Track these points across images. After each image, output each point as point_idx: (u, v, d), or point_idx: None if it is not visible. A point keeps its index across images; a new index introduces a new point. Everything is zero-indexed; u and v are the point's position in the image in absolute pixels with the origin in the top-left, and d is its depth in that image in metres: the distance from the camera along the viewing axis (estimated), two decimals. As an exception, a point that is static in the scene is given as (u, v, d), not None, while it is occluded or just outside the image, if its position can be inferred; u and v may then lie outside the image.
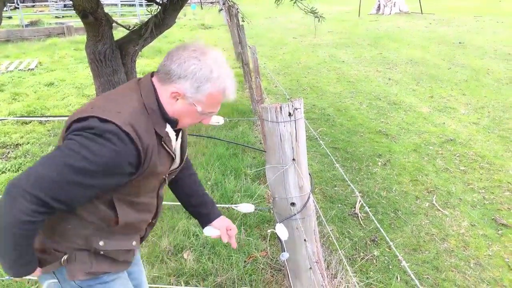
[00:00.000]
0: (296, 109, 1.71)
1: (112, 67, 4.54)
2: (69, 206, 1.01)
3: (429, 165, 3.90)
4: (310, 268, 1.95)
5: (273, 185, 1.87)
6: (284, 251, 1.64)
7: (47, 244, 1.16)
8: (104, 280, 1.24)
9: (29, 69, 8.05)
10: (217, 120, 1.85)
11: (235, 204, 2.13)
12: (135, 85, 1.14)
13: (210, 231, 1.50)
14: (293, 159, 1.80)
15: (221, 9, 11.40)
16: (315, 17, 4.10)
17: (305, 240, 1.90)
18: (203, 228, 1.53)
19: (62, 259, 1.15)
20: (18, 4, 15.06)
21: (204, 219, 1.51)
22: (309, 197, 1.87)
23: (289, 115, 1.73)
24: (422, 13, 16.73)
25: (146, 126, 1.07)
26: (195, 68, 1.07)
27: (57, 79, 7.18)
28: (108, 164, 1.00)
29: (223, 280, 2.34)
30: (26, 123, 5.15)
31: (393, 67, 7.91)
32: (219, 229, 1.49)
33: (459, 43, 9.85)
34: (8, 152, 4.33)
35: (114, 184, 1.07)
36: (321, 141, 3.14)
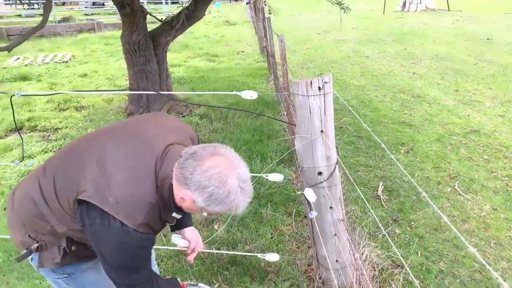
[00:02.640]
0: (326, 83, 1.85)
1: (145, 57, 4.80)
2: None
3: (452, 153, 3.95)
4: (335, 234, 2.09)
5: (302, 155, 2.02)
6: (313, 211, 1.78)
7: (27, 231, 1.27)
8: (81, 267, 1.33)
9: (63, 61, 8.46)
10: (251, 94, 2.02)
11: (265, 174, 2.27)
12: (153, 171, 1.14)
13: (179, 241, 1.52)
14: (321, 131, 1.94)
15: (248, 2, 11.58)
16: (341, 8, 4.21)
17: (331, 207, 2.04)
18: (171, 231, 1.57)
19: (32, 247, 1.25)
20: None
21: (176, 224, 1.50)
22: (335, 167, 2.00)
23: (318, 89, 1.87)
24: (449, 10, 16.44)
25: (158, 217, 1.17)
26: (213, 190, 1.06)
27: (90, 71, 7.52)
28: (140, 255, 1.18)
29: (251, 248, 2.51)
30: (64, 110, 5.47)
31: (418, 62, 7.89)
32: (190, 241, 1.53)
33: (487, 39, 9.69)
34: (49, 135, 4.63)
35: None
36: (344, 130, 3.25)
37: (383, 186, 3.35)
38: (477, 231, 2.77)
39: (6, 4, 18.85)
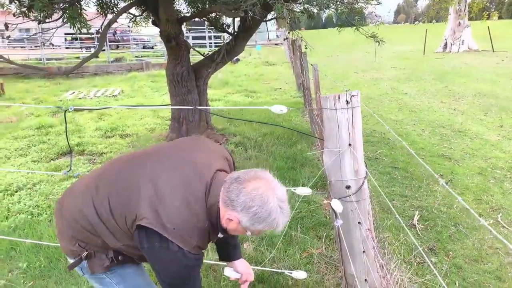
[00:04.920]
0: (353, 96, 1.91)
1: (187, 87, 5.10)
2: None
3: (496, 187, 3.76)
4: (364, 251, 2.04)
5: (329, 168, 2.04)
6: (338, 219, 1.78)
7: (77, 241, 1.38)
8: (118, 270, 1.43)
9: (113, 95, 9.11)
10: (281, 109, 2.11)
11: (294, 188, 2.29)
12: (203, 198, 1.26)
13: (231, 273, 1.65)
14: (349, 144, 1.97)
15: (286, 38, 12.06)
16: (376, 41, 4.31)
17: (359, 222, 2.01)
18: (220, 260, 1.70)
19: (82, 255, 1.36)
20: (105, 47, 17.15)
21: (227, 256, 1.67)
22: (364, 181, 2.00)
23: (346, 103, 1.93)
24: (493, 51, 16.11)
25: (207, 239, 1.31)
26: (256, 210, 1.18)
27: (137, 104, 8.03)
28: (192, 274, 1.31)
29: (279, 266, 2.49)
30: (110, 137, 5.84)
31: (459, 99, 7.71)
32: (241, 273, 1.65)
33: (535, 77, 9.34)
34: (94, 159, 4.95)
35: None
36: (380, 161, 3.23)
37: (419, 216, 3.23)
38: (522, 264, 2.58)
39: (66, 48, 20.83)
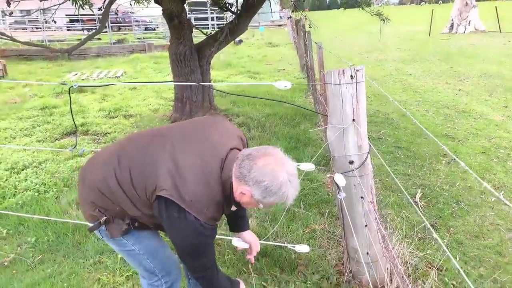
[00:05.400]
0: (358, 71, 1.91)
1: (190, 67, 5.07)
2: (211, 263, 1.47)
3: (499, 166, 3.77)
4: (366, 225, 2.07)
5: (333, 144, 2.05)
6: (341, 192, 1.81)
7: (97, 207, 1.45)
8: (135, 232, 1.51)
9: (115, 76, 9.08)
10: (285, 84, 2.11)
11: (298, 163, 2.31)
12: (218, 175, 1.34)
13: (240, 243, 1.78)
14: (353, 120, 1.98)
15: (290, 17, 11.95)
16: (381, 19, 4.26)
17: (362, 197, 2.04)
18: (230, 230, 1.83)
19: (101, 220, 1.44)
20: (107, 29, 17.00)
21: (236, 227, 1.81)
22: (367, 156, 2.02)
23: (351, 78, 1.93)
24: (500, 31, 15.84)
25: (221, 211, 1.39)
26: (267, 184, 1.26)
27: (139, 85, 8.01)
28: (207, 243, 1.40)
29: (282, 241, 2.53)
30: (113, 117, 5.85)
31: (464, 80, 7.64)
32: (249, 243, 1.78)
33: (542, 58, 9.21)
34: (99, 138, 4.98)
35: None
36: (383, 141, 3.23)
37: (421, 194, 3.26)
38: (523, 240, 2.61)
39: (68, 29, 20.63)
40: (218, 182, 1.33)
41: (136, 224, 1.47)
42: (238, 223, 1.79)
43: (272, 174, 1.26)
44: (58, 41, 16.55)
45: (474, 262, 2.42)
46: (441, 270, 2.30)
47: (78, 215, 2.97)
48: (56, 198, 3.30)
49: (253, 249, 1.79)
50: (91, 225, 1.48)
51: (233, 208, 1.45)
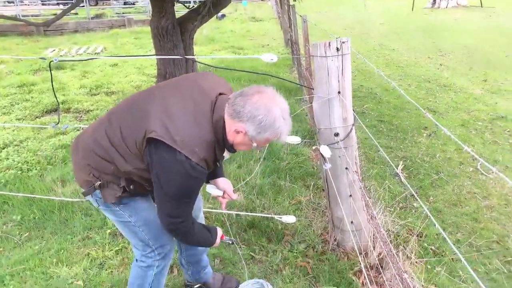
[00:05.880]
0: (343, 43, 1.91)
1: (173, 42, 4.95)
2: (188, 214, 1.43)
3: (477, 137, 3.89)
4: (351, 195, 2.14)
5: (319, 116, 2.08)
6: (327, 163, 1.85)
7: (91, 171, 1.43)
8: (135, 197, 1.50)
9: (95, 53, 8.83)
10: (271, 57, 2.10)
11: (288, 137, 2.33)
12: (209, 116, 1.32)
13: (213, 190, 1.70)
14: (339, 92, 2.00)
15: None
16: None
17: (346, 168, 2.09)
18: (206, 182, 1.71)
19: (96, 184, 1.42)
20: (84, 4, 16.35)
21: (211, 175, 1.70)
22: (352, 128, 2.06)
23: (336, 50, 1.94)
24: (481, 6, 15.95)
25: (213, 154, 1.34)
26: (262, 118, 1.25)
27: (120, 61, 7.81)
28: (194, 187, 1.36)
29: (269, 212, 2.59)
30: (95, 95, 5.73)
31: (446, 55, 7.74)
32: (223, 190, 1.70)
33: (521, 33, 9.38)
34: (81, 116, 4.88)
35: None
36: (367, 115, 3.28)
37: (403, 165, 3.35)
38: (497, 207, 2.74)
39: (43, 4, 19.75)
40: (210, 123, 1.31)
41: (131, 187, 1.44)
42: (213, 171, 1.70)
43: (266, 108, 1.26)
44: (32, 15, 15.86)
45: (452, 228, 2.53)
46: (420, 237, 2.41)
47: (63, 192, 2.95)
48: (40, 176, 3.26)
49: (226, 197, 1.73)
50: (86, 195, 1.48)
51: (226, 154, 1.44)
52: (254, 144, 1.35)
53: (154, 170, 1.31)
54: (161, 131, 1.26)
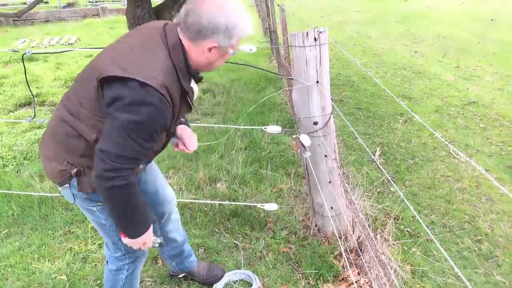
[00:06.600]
0: (321, 33, 1.95)
1: (149, 32, 4.86)
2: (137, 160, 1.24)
3: (450, 123, 4.04)
4: (330, 182, 2.20)
5: (298, 106, 2.12)
6: (307, 151, 1.90)
7: (65, 158, 1.34)
8: None
9: (69, 43, 8.57)
10: (250, 47, 2.11)
11: (264, 126, 2.36)
12: (161, 41, 1.22)
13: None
14: (317, 81, 2.04)
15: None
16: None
17: (325, 156, 2.15)
18: None
19: (72, 172, 1.33)
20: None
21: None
22: (330, 117, 2.11)
23: (314, 40, 1.97)
24: (454, -7, 16.26)
25: (176, 84, 1.22)
26: (225, 21, 1.17)
27: (96, 52, 7.62)
28: (154, 119, 1.18)
29: (251, 201, 2.64)
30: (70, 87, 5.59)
31: (420, 42, 7.91)
32: (180, 138, 1.57)
33: (491, 20, 9.65)
34: (57, 109, 4.77)
35: (158, 137, 1.24)
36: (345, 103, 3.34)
37: (380, 151, 3.45)
38: (469, 189, 2.87)
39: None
40: (164, 46, 1.21)
41: None
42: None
43: (223, 10, 1.18)
44: (0, 5, 15.20)
45: (426, 210, 2.65)
46: (397, 220, 2.51)
47: (42, 188, 2.90)
48: (17, 171, 3.20)
49: (181, 147, 1.58)
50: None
51: (194, 86, 1.33)
52: (231, 51, 1.27)
53: (113, 110, 1.16)
54: (111, 67, 1.16)
